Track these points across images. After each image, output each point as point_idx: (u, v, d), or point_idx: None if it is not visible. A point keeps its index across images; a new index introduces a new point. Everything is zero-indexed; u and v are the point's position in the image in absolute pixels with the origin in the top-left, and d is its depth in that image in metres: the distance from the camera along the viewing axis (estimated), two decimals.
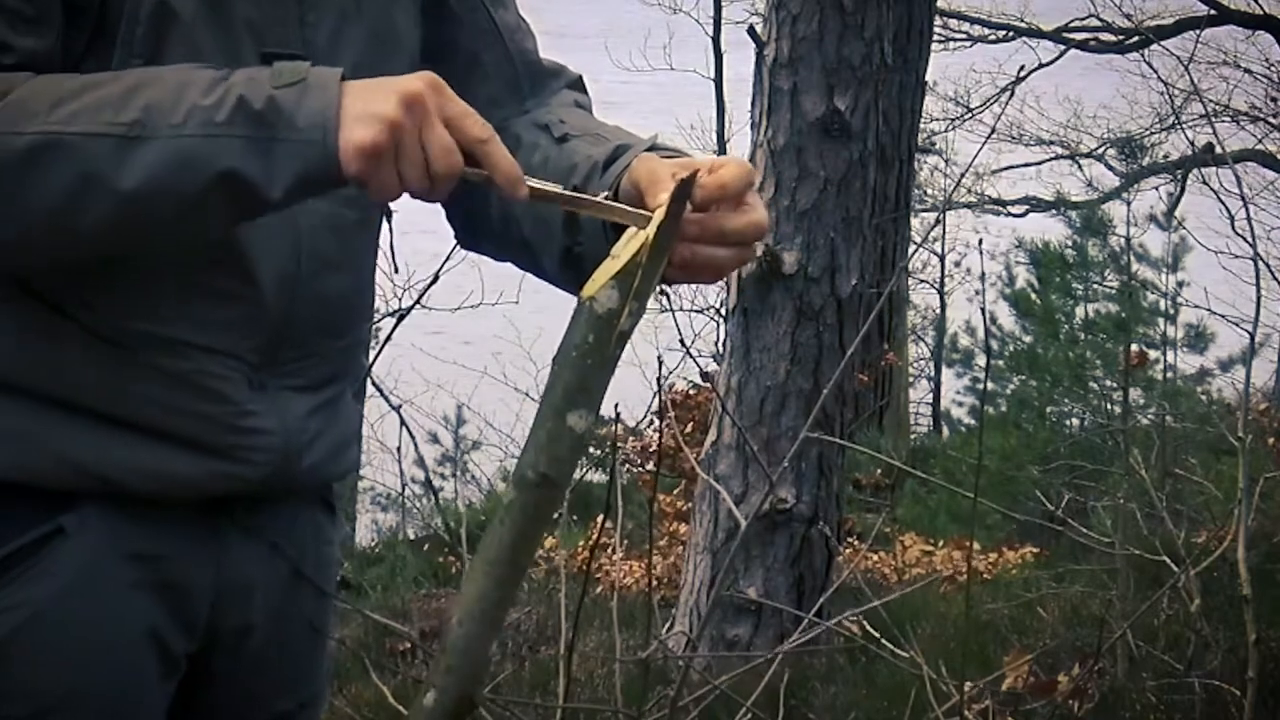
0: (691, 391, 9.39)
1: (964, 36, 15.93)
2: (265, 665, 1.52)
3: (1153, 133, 15.01)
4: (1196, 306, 9.82)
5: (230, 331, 1.39)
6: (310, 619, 1.57)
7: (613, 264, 1.25)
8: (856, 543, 6.46)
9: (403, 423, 3.91)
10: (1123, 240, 9.44)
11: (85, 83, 1.25)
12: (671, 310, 7.09)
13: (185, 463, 1.38)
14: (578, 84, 1.64)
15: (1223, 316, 9.70)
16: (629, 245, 1.26)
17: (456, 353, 11.04)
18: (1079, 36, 15.91)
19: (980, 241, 13.06)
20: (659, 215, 1.25)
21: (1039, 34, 15.80)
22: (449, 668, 1.23)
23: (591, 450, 11.80)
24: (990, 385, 9.56)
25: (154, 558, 1.40)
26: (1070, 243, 9.81)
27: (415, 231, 2.55)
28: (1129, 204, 9.72)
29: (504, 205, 1.50)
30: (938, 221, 15.85)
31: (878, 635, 3.46)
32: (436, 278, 3.28)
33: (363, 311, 1.57)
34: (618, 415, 2.75)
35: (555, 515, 1.32)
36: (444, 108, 1.24)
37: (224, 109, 1.21)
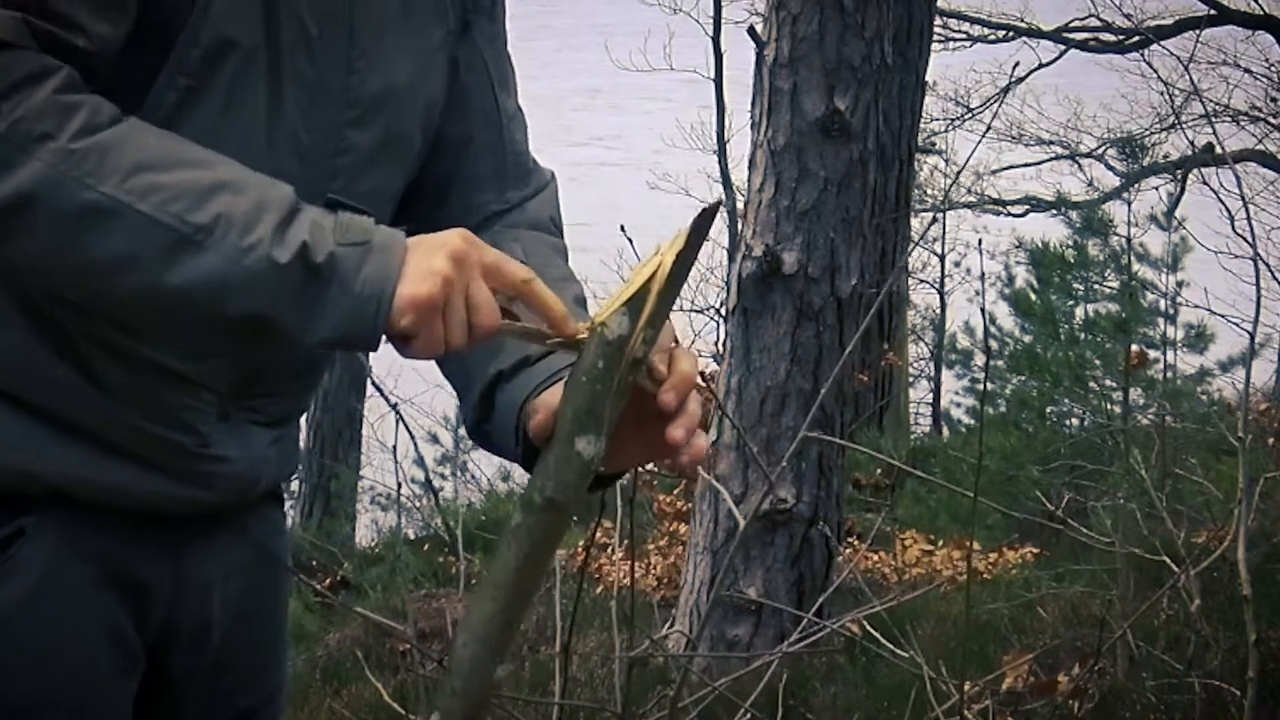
0: None
1: (964, 36, 15.92)
2: (226, 663, 1.53)
3: (1153, 133, 14.99)
4: (1196, 306, 9.80)
5: (214, 364, 1.41)
6: (268, 614, 1.59)
7: (625, 290, 1.24)
8: (856, 543, 6.46)
9: (400, 421, 3.91)
10: (1123, 240, 9.44)
11: (170, 154, 1.23)
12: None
13: (146, 481, 1.40)
14: (550, 190, 1.63)
15: (1223, 316, 9.70)
16: (642, 271, 1.25)
17: None
18: (1079, 36, 15.90)
19: (980, 241, 13.05)
20: (677, 243, 1.24)
21: (1039, 34, 15.79)
22: (454, 690, 1.23)
23: None
24: (990, 385, 9.54)
25: (111, 556, 1.41)
26: (1070, 243, 9.80)
27: None
28: (1129, 204, 9.71)
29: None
30: (935, 220, 15.85)
31: (878, 635, 3.46)
32: None
33: (330, 355, 1.60)
34: None
35: (561, 538, 1.30)
36: (482, 257, 1.24)
37: (288, 250, 1.20)
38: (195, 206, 1.20)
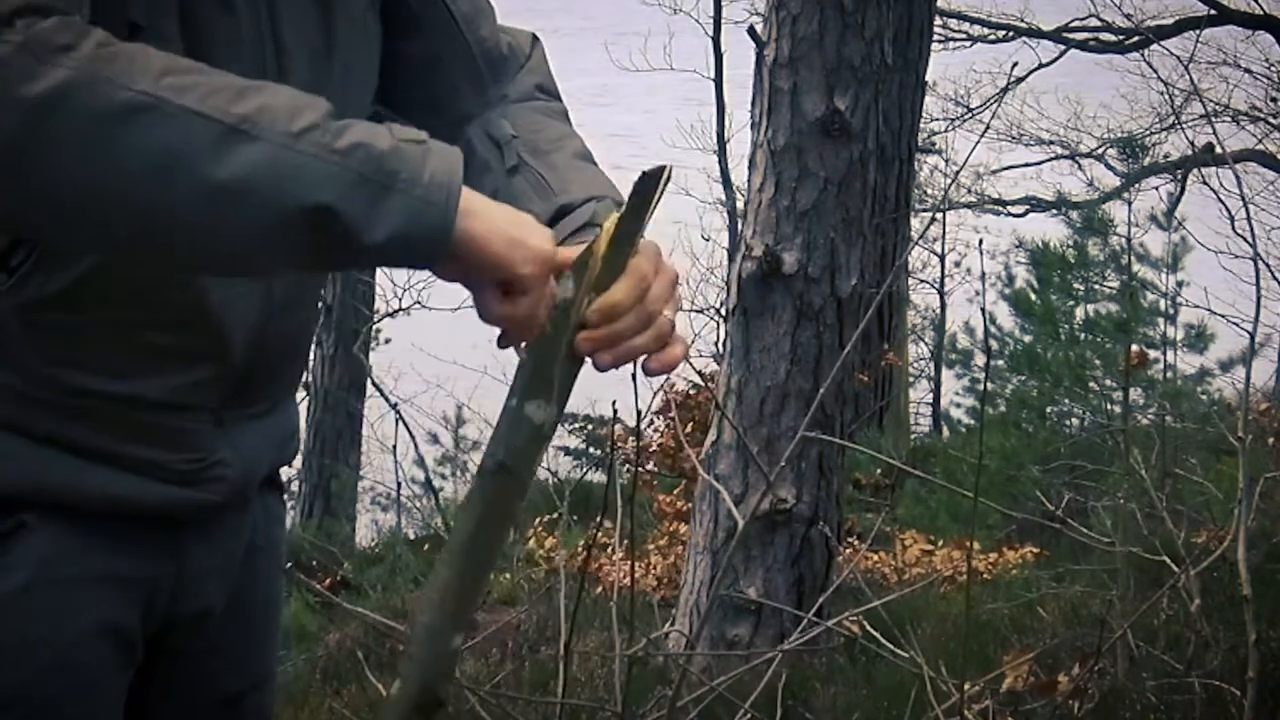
0: (692, 391, 9.39)
1: (964, 36, 15.94)
2: (221, 645, 1.54)
3: (1153, 133, 15.03)
4: (1196, 306, 9.81)
5: (200, 390, 1.41)
6: (262, 600, 1.60)
7: (574, 255, 1.25)
8: (856, 543, 6.46)
9: (400, 421, 3.90)
10: (1123, 240, 9.43)
11: (197, 65, 1.15)
12: None
13: (150, 491, 1.41)
14: (533, 61, 1.60)
15: (1223, 316, 9.70)
16: (597, 239, 1.25)
17: (457, 353, 11.03)
18: (1079, 36, 15.92)
19: (980, 241, 13.07)
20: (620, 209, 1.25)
21: (1039, 34, 15.81)
22: (410, 656, 1.23)
23: (593, 450, 11.79)
24: (990, 385, 9.54)
25: (115, 553, 1.42)
26: (1070, 243, 9.79)
27: None
28: (1129, 204, 9.70)
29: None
30: (934, 220, 15.86)
31: (878, 635, 3.46)
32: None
33: (314, 326, 1.60)
34: (615, 415, 2.75)
35: (518, 507, 1.29)
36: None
37: (343, 139, 1.13)
38: (235, 99, 1.12)
